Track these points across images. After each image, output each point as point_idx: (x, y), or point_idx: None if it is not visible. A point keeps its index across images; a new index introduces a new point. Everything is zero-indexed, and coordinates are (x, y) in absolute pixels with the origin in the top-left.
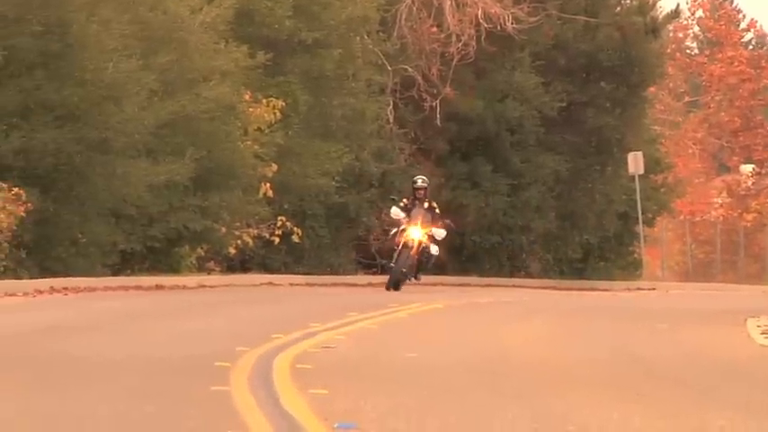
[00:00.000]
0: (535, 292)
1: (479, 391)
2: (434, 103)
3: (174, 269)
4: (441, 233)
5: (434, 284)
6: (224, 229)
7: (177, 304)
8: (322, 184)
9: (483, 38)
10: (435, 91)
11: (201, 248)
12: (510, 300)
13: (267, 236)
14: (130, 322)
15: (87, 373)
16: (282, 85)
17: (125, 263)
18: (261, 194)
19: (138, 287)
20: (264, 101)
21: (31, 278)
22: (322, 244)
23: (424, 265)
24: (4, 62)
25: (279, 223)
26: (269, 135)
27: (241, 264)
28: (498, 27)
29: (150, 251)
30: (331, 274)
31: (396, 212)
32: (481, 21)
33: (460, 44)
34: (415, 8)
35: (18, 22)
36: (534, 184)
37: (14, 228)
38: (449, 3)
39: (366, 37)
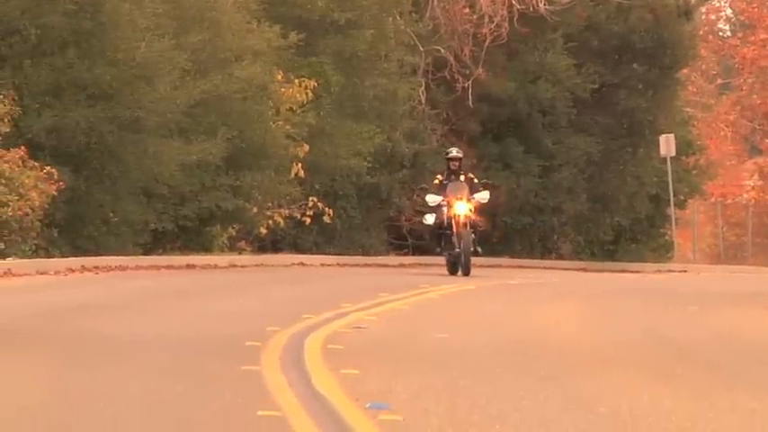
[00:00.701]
0: (566, 273)
1: (510, 372)
2: (466, 84)
3: (205, 248)
4: (484, 196)
5: None
6: (255, 209)
7: (208, 284)
8: (354, 164)
9: (515, 19)
10: (467, 72)
11: (233, 228)
12: (541, 281)
13: (298, 216)
14: (161, 301)
15: (118, 352)
16: (314, 66)
17: (156, 242)
18: (292, 175)
19: (169, 266)
20: (297, 81)
21: (63, 257)
22: (353, 224)
23: (477, 235)
24: (36, 41)
25: (310, 203)
26: (301, 115)
27: (272, 244)
28: (531, 8)
29: (182, 230)
30: (362, 254)
31: (432, 199)
32: (514, 2)
33: (493, 25)
34: None
35: (51, 1)
36: (566, 166)
37: (46, 206)
38: None
39: (398, 17)
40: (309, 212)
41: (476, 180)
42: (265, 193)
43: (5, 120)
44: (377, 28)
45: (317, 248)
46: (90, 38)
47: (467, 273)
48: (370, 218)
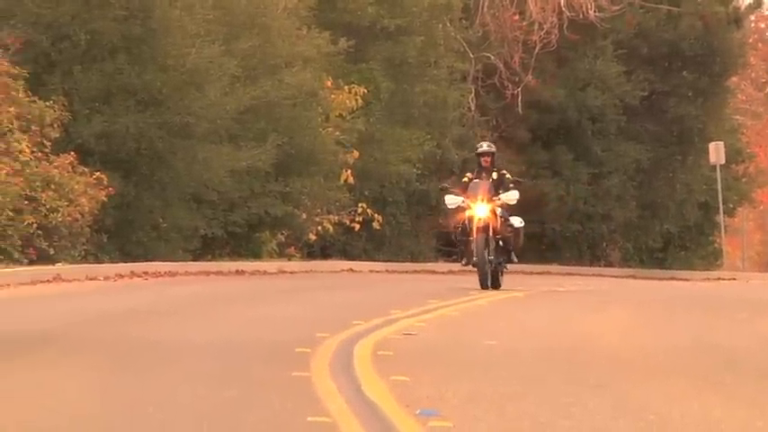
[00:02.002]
0: (615, 281)
1: (559, 379)
2: (516, 91)
3: (254, 254)
4: (512, 196)
5: (515, 272)
6: (305, 215)
7: (257, 289)
8: (403, 170)
9: (565, 26)
10: (517, 79)
11: (282, 234)
12: (589, 288)
13: (347, 222)
14: (211, 307)
15: (167, 358)
16: (364, 72)
17: (206, 248)
18: (342, 181)
19: (218, 272)
20: (346, 87)
21: (112, 262)
22: (402, 231)
23: (512, 243)
24: (86, 46)
25: (359, 210)
26: (350, 121)
27: (321, 250)
28: (581, 15)
29: (231, 236)
30: (411, 261)
31: (452, 201)
32: (564, 9)
33: (543, 32)
34: None
35: (101, 7)
36: (615, 173)
37: (96, 212)
38: None
39: (448, 24)
40: (359, 219)
41: (508, 176)
42: (314, 199)
43: (55, 125)
44: (427, 34)
45: (366, 255)
46: (140, 43)
47: (487, 285)
48: (419, 224)
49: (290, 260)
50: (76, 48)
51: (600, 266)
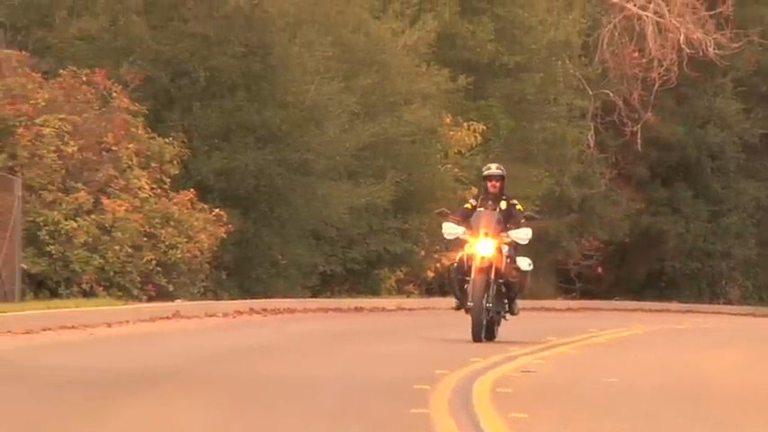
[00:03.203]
0: (734, 318)
1: (680, 417)
2: (635, 128)
3: (373, 291)
4: (523, 235)
5: (633, 310)
6: (423, 252)
7: (376, 326)
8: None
9: (684, 63)
10: (636, 116)
11: (401, 271)
12: (709, 326)
13: None
14: (329, 344)
15: (286, 394)
16: (483, 109)
17: (325, 284)
18: None
19: (337, 309)
20: (465, 124)
21: (231, 299)
22: None
23: (515, 289)
24: (205, 83)
25: None
26: (469, 158)
27: (440, 287)
28: (700, 53)
29: (350, 273)
30: (530, 298)
31: (450, 231)
32: (683, 46)
33: (662, 69)
34: (617, 33)
35: (220, 43)
36: (734, 211)
37: (215, 249)
38: (651, 28)
39: (567, 61)
40: None
41: (519, 207)
42: (433, 236)
43: (175, 162)
44: (546, 71)
45: None
46: (259, 80)
47: (481, 337)
48: (539, 261)
49: (408, 297)
50: (196, 84)
51: (719, 304)
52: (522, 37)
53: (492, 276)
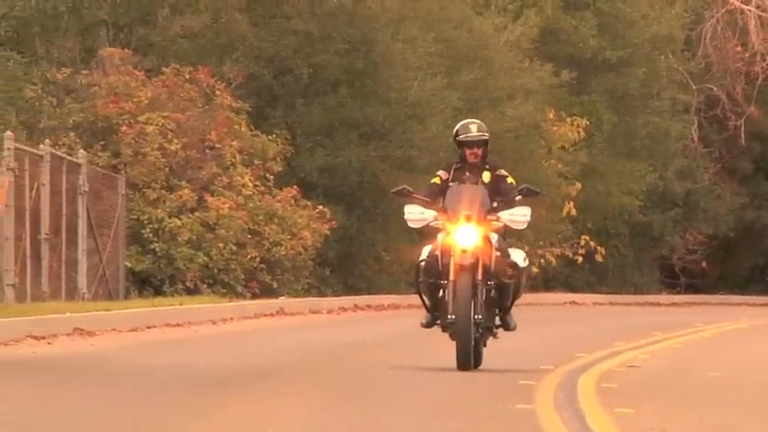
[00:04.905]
0: None
1: None
2: (739, 123)
3: None
4: (520, 217)
5: (738, 304)
6: (527, 248)
7: None
8: (626, 202)
9: None
10: (740, 110)
11: None
12: None
13: (570, 255)
14: (433, 339)
15: (389, 389)
16: (586, 104)
17: None
18: (564, 213)
19: None
20: (568, 119)
21: (335, 296)
22: (625, 263)
23: (510, 294)
24: (308, 80)
25: (582, 242)
26: (573, 154)
27: (544, 282)
28: None
29: None
30: (634, 293)
31: (416, 217)
32: None
33: (765, 63)
34: (719, 27)
35: (323, 41)
36: None
37: (319, 245)
38: (753, 22)
39: (670, 55)
40: (581, 251)
41: (510, 180)
42: (537, 231)
43: (278, 159)
44: (649, 66)
45: (588, 287)
46: (362, 77)
47: (470, 364)
48: (642, 256)
49: None
50: (299, 81)
51: None
52: (625, 32)
53: (479, 277)
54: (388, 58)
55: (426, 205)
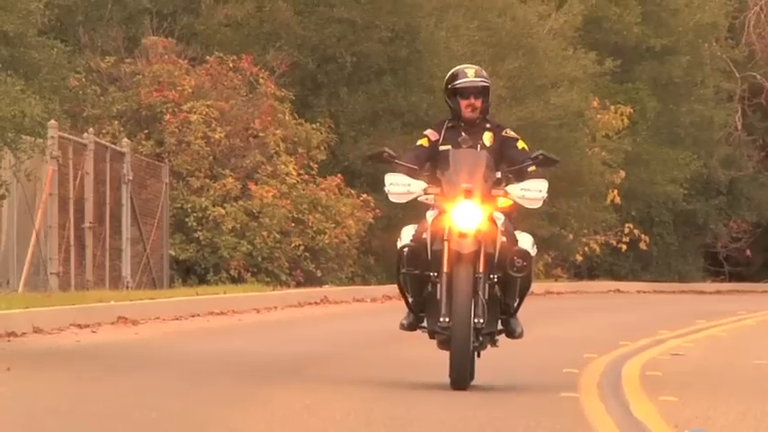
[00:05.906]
0: None
1: None
2: None
3: None
4: (536, 193)
5: None
6: (571, 236)
7: (523, 311)
8: (670, 191)
9: None
10: None
11: (549, 255)
12: None
13: (614, 243)
14: None
15: (431, 378)
16: (630, 92)
17: None
18: (608, 201)
19: None
20: (612, 107)
21: (379, 284)
22: (670, 251)
23: (516, 289)
24: (352, 68)
25: (626, 230)
26: (617, 142)
27: (588, 270)
28: None
29: None
30: (678, 281)
31: (399, 189)
32: None
33: None
34: (763, 15)
35: (367, 29)
36: None
37: (363, 234)
38: None
39: (714, 43)
40: (625, 239)
41: (521, 145)
42: (581, 219)
43: (322, 147)
44: (693, 54)
45: (632, 275)
46: (406, 65)
47: (466, 381)
48: (687, 244)
49: (556, 281)
50: (342, 70)
51: None
52: (669, 19)
53: (482, 269)
54: (432, 47)
55: (413, 174)
